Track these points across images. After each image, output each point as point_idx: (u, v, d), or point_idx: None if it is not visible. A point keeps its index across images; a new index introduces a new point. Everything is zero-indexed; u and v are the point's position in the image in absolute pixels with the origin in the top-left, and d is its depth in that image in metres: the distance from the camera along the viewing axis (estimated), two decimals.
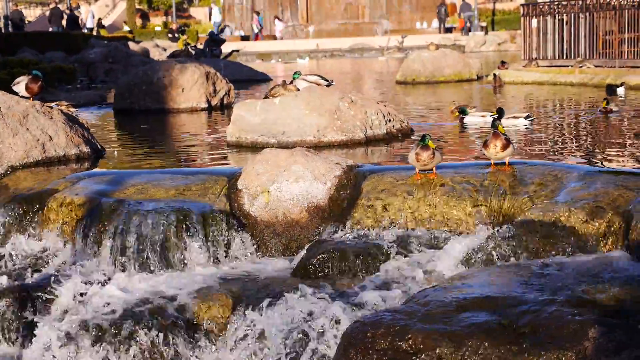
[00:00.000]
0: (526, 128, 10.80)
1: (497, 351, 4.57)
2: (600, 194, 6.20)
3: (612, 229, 5.95)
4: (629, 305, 4.84)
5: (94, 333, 5.97)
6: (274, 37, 52.18)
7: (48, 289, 6.55)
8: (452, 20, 49.92)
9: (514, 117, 11.12)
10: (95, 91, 19.30)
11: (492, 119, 11.50)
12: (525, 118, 11.11)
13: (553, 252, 5.93)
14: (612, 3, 18.84)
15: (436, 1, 50.98)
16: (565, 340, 4.52)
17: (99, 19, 48.50)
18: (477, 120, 11.59)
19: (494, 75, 18.63)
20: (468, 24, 47.27)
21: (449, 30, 48.41)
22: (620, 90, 14.84)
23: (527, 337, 4.60)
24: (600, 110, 11.92)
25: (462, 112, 11.83)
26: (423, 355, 4.65)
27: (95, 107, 16.32)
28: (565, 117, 12.71)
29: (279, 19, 52.56)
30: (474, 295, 5.07)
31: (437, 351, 4.63)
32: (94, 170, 8.49)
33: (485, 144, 6.97)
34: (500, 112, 11.08)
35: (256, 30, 50.33)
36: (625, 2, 18.53)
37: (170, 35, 30.08)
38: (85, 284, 6.61)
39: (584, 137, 10.38)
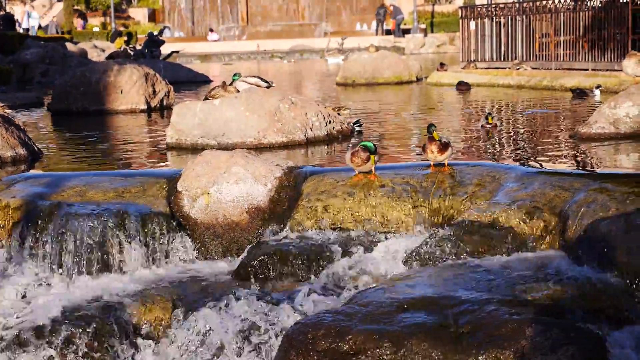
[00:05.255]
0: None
1: (437, 351, 4.61)
2: (537, 195, 6.28)
3: (549, 228, 6.03)
4: (565, 304, 4.92)
5: (31, 337, 5.88)
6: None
7: None
8: (388, 22, 50.24)
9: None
10: (31, 92, 19.00)
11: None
12: (354, 124, 10.78)
13: (492, 252, 5.99)
14: (549, 6, 19.11)
15: (375, 3, 51.27)
16: (503, 339, 4.57)
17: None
18: None
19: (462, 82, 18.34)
20: (401, 26, 47.81)
21: (389, 32, 48.73)
22: (597, 93, 14.41)
23: (467, 337, 4.65)
24: (482, 125, 10.75)
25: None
26: (364, 356, 4.67)
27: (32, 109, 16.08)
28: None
29: (212, 30, 52.18)
30: (414, 296, 5.11)
31: (377, 351, 4.66)
32: (31, 172, 8.36)
33: (423, 149, 7.05)
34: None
35: (26, 26, 46.10)
36: (561, 5, 18.82)
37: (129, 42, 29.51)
38: (22, 287, 6.51)
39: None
